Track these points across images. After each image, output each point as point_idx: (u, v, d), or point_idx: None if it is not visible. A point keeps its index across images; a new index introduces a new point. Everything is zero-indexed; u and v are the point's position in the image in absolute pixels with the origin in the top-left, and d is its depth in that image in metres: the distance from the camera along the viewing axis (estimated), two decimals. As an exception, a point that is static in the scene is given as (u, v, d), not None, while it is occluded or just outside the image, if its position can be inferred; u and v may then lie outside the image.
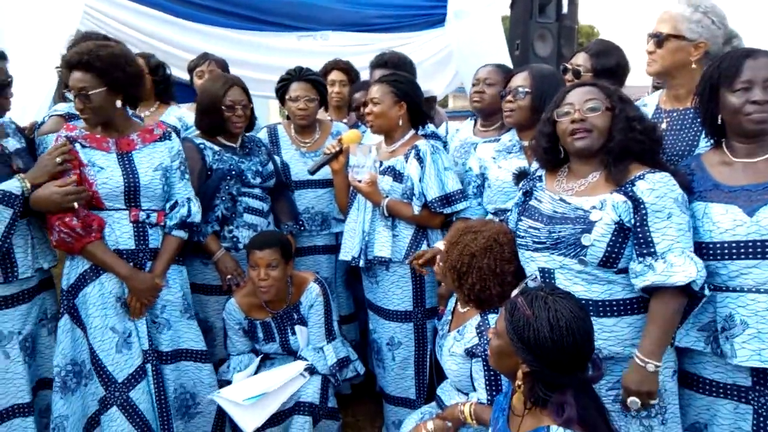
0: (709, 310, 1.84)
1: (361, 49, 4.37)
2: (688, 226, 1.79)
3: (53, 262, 2.51)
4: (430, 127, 3.09)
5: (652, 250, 1.75)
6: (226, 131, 2.77)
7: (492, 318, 2.00)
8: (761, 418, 1.79)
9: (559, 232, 1.85)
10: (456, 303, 2.31)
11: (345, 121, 3.53)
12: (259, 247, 2.55)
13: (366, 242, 2.63)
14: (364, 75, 3.69)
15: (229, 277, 2.71)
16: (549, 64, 3.87)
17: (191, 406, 2.58)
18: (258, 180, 2.81)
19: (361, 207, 2.68)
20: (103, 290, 2.36)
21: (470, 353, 2.06)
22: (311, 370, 2.63)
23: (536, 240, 1.91)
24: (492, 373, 1.97)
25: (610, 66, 2.69)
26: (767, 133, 1.79)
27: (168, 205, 2.49)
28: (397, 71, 2.94)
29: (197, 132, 2.86)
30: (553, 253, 1.86)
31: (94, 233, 2.30)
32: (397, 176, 2.61)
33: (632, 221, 1.79)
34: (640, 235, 1.78)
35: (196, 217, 2.53)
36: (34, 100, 3.39)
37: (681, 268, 1.72)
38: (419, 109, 2.70)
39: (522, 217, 2.00)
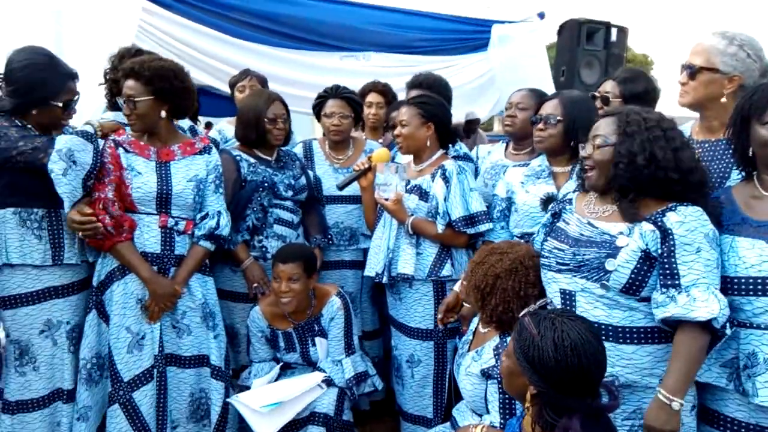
0: (733, 346, 1.80)
1: (402, 71, 4.44)
2: (716, 263, 1.76)
3: (98, 257, 2.61)
4: (463, 149, 3.13)
5: (677, 282, 1.73)
6: (265, 144, 2.87)
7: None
8: (783, 461, 1.73)
9: (584, 255, 1.84)
10: (478, 323, 2.31)
11: (380, 141, 3.59)
12: (283, 260, 2.62)
13: (390, 259, 2.67)
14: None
15: (255, 285, 2.79)
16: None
17: (209, 408, 2.63)
18: (290, 193, 2.89)
19: (387, 224, 2.72)
20: (126, 290, 2.45)
21: (486, 374, 2.07)
22: (328, 382, 2.66)
23: (560, 261, 1.91)
24: (506, 396, 1.96)
25: (638, 92, 2.69)
26: None
27: (198, 216, 2.58)
28: (432, 92, 2.98)
29: (236, 144, 2.97)
30: (575, 276, 1.86)
31: (125, 233, 2.40)
32: (423, 195, 2.64)
33: (659, 251, 1.76)
34: (666, 267, 1.75)
35: (225, 230, 2.60)
36: (89, 112, 3.59)
37: (704, 303, 1.68)
38: (447, 130, 2.74)
39: (548, 238, 2.00)
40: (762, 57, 2.06)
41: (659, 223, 1.77)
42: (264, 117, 2.81)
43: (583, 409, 1.41)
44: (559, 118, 2.41)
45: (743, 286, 1.76)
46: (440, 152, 2.74)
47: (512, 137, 2.90)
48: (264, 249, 2.82)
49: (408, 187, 2.69)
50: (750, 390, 1.72)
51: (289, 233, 2.90)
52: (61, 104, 2.37)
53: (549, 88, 4.28)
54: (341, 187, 2.81)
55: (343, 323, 2.75)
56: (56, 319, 2.44)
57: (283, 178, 2.89)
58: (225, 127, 3.44)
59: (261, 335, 2.80)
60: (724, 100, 2.05)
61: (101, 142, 2.45)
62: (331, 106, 3.11)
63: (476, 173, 3.06)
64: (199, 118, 4.84)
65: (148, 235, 2.47)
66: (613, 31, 5.68)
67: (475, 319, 2.36)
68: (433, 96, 2.81)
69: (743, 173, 1.92)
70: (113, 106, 2.84)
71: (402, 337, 2.76)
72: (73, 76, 2.44)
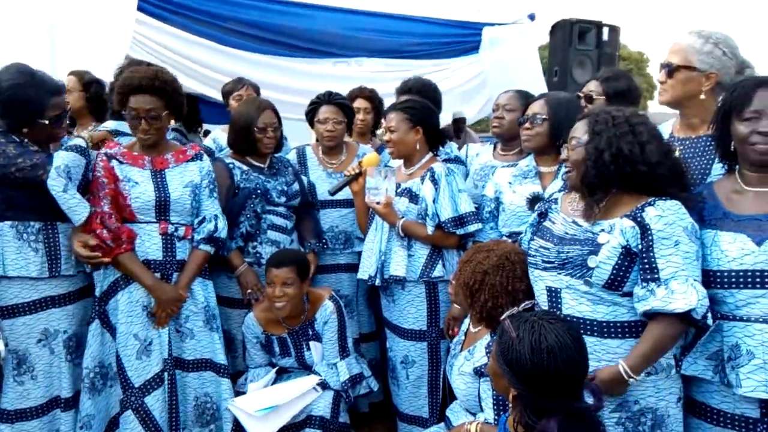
0: (717, 339, 1.83)
1: (394, 75, 4.46)
2: (695, 255, 1.79)
3: (98, 268, 2.64)
4: (454, 152, 3.17)
5: (656, 276, 1.77)
6: (257, 151, 2.91)
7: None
8: (769, 452, 1.76)
9: (568, 252, 1.88)
10: (469, 324, 2.35)
11: (370, 146, 3.63)
12: (276, 265, 2.66)
13: (382, 261, 2.70)
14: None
15: (249, 291, 2.83)
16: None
17: (215, 413, 2.67)
18: (283, 199, 2.93)
19: (378, 227, 2.76)
20: (131, 298, 2.50)
21: (479, 372, 2.10)
22: (324, 385, 2.69)
23: (546, 259, 1.95)
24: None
25: (622, 89, 2.74)
26: None
27: (196, 221, 2.64)
28: (421, 96, 3.02)
29: (230, 152, 3.01)
30: (560, 273, 1.89)
31: (124, 245, 2.44)
32: (413, 198, 2.68)
33: (639, 246, 1.80)
34: (646, 261, 1.79)
35: (222, 232, 2.66)
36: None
37: (682, 295, 1.72)
38: (436, 132, 2.78)
39: (534, 237, 2.05)
40: (737, 54, 2.10)
41: (638, 219, 1.81)
42: (254, 126, 2.85)
43: (563, 411, 1.42)
44: (544, 117, 2.47)
45: (725, 280, 1.80)
46: (429, 155, 2.78)
47: (500, 138, 2.95)
48: (258, 255, 2.86)
49: (398, 190, 2.72)
50: (734, 381, 1.76)
51: (282, 239, 2.94)
52: (47, 121, 2.38)
53: (541, 90, 4.31)
54: (333, 193, 2.85)
55: (336, 326, 2.79)
56: (53, 328, 2.48)
57: (275, 184, 2.93)
58: (219, 135, 3.49)
59: (256, 341, 2.84)
60: (702, 97, 2.10)
61: (93, 153, 2.50)
62: (325, 112, 3.14)
63: (467, 175, 3.10)
64: (204, 126, 4.91)
65: (149, 243, 2.52)
66: (605, 31, 5.73)
67: (466, 320, 2.40)
68: (419, 100, 2.85)
69: (725, 168, 1.96)
70: (115, 115, 2.88)
71: (396, 339, 2.79)
72: (58, 91, 2.45)
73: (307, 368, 2.84)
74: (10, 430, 2.45)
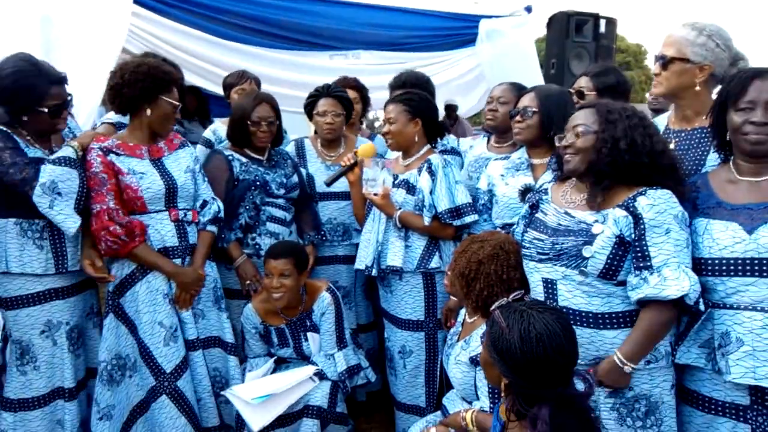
0: (708, 327, 1.86)
1: (392, 68, 4.47)
2: (686, 243, 1.83)
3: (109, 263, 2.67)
4: (451, 143, 3.18)
5: (649, 264, 1.80)
6: (252, 145, 2.93)
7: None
8: (759, 438, 1.79)
9: (562, 243, 1.91)
10: (465, 314, 2.37)
11: (359, 135, 3.65)
12: (274, 256, 2.69)
13: (379, 252, 2.73)
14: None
15: (248, 282, 2.85)
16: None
17: (223, 387, 2.73)
18: (282, 191, 2.95)
19: (376, 218, 2.78)
20: (150, 288, 2.53)
21: (474, 361, 2.12)
22: (321, 375, 2.72)
23: (540, 251, 1.97)
24: (493, 381, 2.02)
25: (611, 84, 2.77)
26: (764, 154, 1.81)
27: (198, 204, 2.69)
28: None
29: (229, 144, 3.03)
30: (555, 264, 1.92)
31: (138, 237, 2.46)
32: (410, 189, 2.70)
33: (632, 235, 1.83)
34: (638, 249, 1.82)
35: (222, 213, 2.76)
36: (81, 113, 3.63)
37: (675, 282, 1.75)
38: (434, 124, 2.80)
39: (528, 229, 2.07)
40: (731, 46, 2.12)
41: (631, 209, 1.84)
42: (248, 119, 2.87)
43: (554, 398, 1.44)
44: (534, 109, 2.49)
45: (716, 267, 1.83)
46: (427, 147, 2.80)
47: (494, 131, 2.97)
48: (257, 246, 2.88)
49: (395, 181, 2.75)
50: (724, 368, 1.79)
51: (281, 230, 2.96)
52: (46, 110, 2.39)
53: (538, 82, 4.33)
54: (329, 183, 2.87)
55: (334, 318, 2.81)
56: (56, 320, 2.50)
57: (275, 176, 2.95)
58: (219, 128, 3.49)
59: (255, 331, 2.86)
60: (697, 89, 2.12)
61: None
62: (324, 105, 3.16)
63: (462, 166, 3.11)
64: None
65: (164, 231, 2.56)
66: (602, 23, 5.73)
67: (463, 311, 2.43)
68: (418, 92, 2.86)
69: (720, 159, 1.98)
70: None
71: (394, 329, 2.82)
72: (59, 81, 2.45)
73: (305, 359, 2.86)
74: (13, 419, 2.48)
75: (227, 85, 3.72)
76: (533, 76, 4.72)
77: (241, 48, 4.48)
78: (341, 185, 3.05)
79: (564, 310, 1.90)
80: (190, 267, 2.60)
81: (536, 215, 2.08)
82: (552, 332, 1.45)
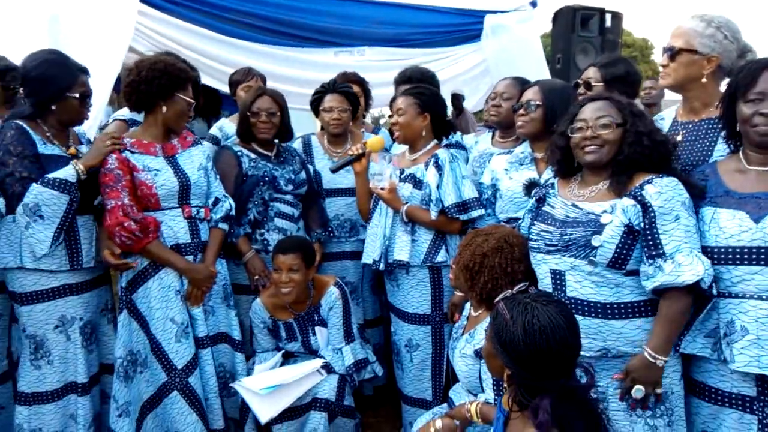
0: (714, 316, 1.87)
1: (396, 64, 4.43)
2: (695, 229, 1.85)
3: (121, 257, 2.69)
4: (456, 137, 3.19)
5: (661, 251, 1.82)
6: (256, 138, 2.95)
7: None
8: (766, 429, 1.79)
9: (571, 234, 1.92)
10: (470, 308, 2.39)
11: (363, 130, 3.66)
12: (283, 251, 2.70)
13: (386, 246, 2.74)
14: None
15: (256, 277, 2.88)
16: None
17: (226, 382, 2.76)
18: (290, 187, 2.97)
19: (382, 213, 2.80)
20: (162, 284, 2.55)
21: (479, 354, 2.14)
22: (328, 369, 2.74)
23: (548, 243, 1.98)
24: (498, 374, 2.03)
25: (620, 74, 2.73)
26: None
27: (210, 202, 2.71)
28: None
29: (237, 140, 3.05)
30: (564, 255, 1.93)
31: (152, 234, 2.47)
32: (417, 183, 2.71)
33: (641, 224, 1.85)
34: (650, 238, 1.84)
35: (233, 211, 2.77)
36: (92, 112, 3.65)
37: (689, 267, 1.77)
38: (443, 120, 2.81)
39: (535, 222, 2.08)
40: (739, 38, 2.12)
41: (639, 197, 1.86)
42: (248, 111, 2.90)
43: (556, 390, 1.45)
44: (538, 103, 2.50)
45: (722, 256, 1.84)
46: (434, 142, 2.81)
47: (498, 126, 2.98)
48: (265, 242, 2.91)
49: (402, 175, 2.76)
50: (728, 357, 1.80)
51: (289, 226, 2.98)
52: (77, 95, 2.44)
53: (544, 77, 4.31)
54: (334, 170, 2.88)
55: (341, 312, 2.83)
56: (70, 315, 2.52)
57: (283, 172, 2.97)
58: (225, 124, 3.52)
59: (263, 326, 2.89)
60: (704, 80, 2.12)
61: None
62: (330, 100, 3.17)
63: (467, 161, 3.11)
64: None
65: (177, 228, 2.57)
66: (608, 17, 5.69)
67: (468, 305, 2.44)
68: (429, 87, 2.88)
69: (730, 149, 1.99)
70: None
71: (400, 323, 2.84)
72: (85, 71, 2.51)
73: (312, 353, 2.88)
74: (28, 412, 2.51)
75: (233, 82, 3.74)
76: (539, 71, 4.69)
77: (246, 45, 4.48)
78: (348, 182, 3.08)
79: (572, 300, 1.92)
80: (202, 264, 2.62)
81: (543, 208, 2.10)
82: (555, 325, 1.45)
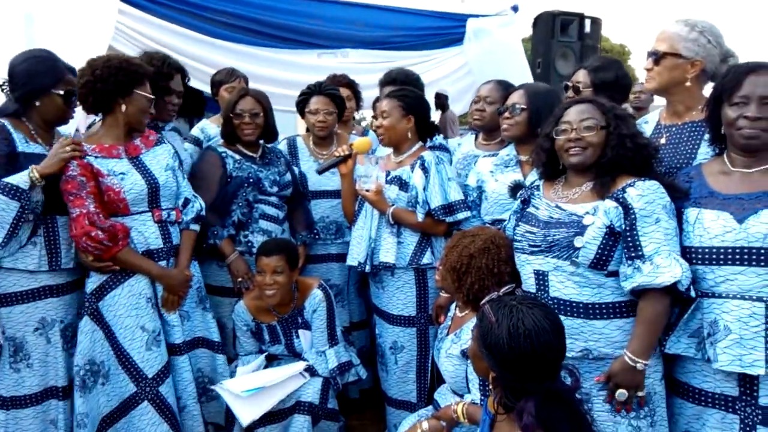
0: (697, 316, 1.89)
1: (380, 66, 4.46)
2: (674, 232, 1.88)
3: None
4: (439, 140, 3.20)
5: (640, 253, 1.83)
6: (241, 139, 2.92)
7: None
8: (747, 428, 1.81)
9: (554, 235, 1.94)
10: (455, 308, 2.39)
11: (354, 132, 3.65)
12: (266, 253, 2.68)
13: (372, 248, 2.73)
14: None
15: (239, 279, 2.84)
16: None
17: (209, 390, 2.70)
18: (275, 189, 2.95)
19: (368, 215, 2.79)
20: (132, 291, 2.45)
21: (466, 354, 2.14)
22: (312, 372, 2.72)
23: (532, 244, 2.00)
24: (485, 374, 2.03)
25: (609, 80, 2.74)
26: (757, 148, 1.84)
27: (180, 203, 2.64)
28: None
29: (221, 141, 3.02)
30: (547, 256, 1.95)
31: (121, 241, 2.37)
32: (403, 185, 2.71)
33: (622, 226, 1.87)
34: (629, 239, 1.86)
35: (204, 211, 2.70)
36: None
37: (667, 269, 1.79)
38: (427, 123, 2.82)
39: (519, 223, 2.10)
40: (722, 43, 2.16)
41: (621, 200, 1.88)
42: (231, 112, 2.87)
43: (541, 392, 1.45)
44: (523, 107, 2.52)
45: (706, 256, 1.86)
46: (419, 144, 2.82)
47: (482, 129, 2.99)
48: (249, 244, 2.88)
49: (388, 178, 2.75)
50: (712, 356, 1.82)
51: (274, 228, 2.95)
52: (62, 92, 2.40)
53: (527, 80, 4.35)
54: (320, 172, 2.86)
55: (325, 315, 2.81)
56: (50, 318, 2.46)
57: (268, 174, 2.94)
58: (207, 125, 3.48)
59: (246, 329, 2.86)
60: (688, 84, 2.16)
61: (35, 194, 2.32)
62: (316, 102, 3.15)
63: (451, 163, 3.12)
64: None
65: (148, 233, 2.49)
66: (587, 23, 5.77)
67: (452, 306, 2.44)
68: (413, 90, 2.88)
69: (715, 151, 2.02)
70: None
71: (385, 325, 2.83)
72: (71, 70, 2.46)
73: (296, 355, 2.86)
74: (5, 417, 2.44)
75: (216, 83, 3.69)
76: (522, 75, 4.74)
77: (228, 46, 4.45)
78: (334, 184, 3.06)
79: (555, 300, 1.93)
80: (176, 269, 2.55)
81: (528, 210, 2.11)
82: (540, 328, 1.46)
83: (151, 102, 2.52)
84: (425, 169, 2.68)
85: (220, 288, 2.93)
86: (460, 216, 2.67)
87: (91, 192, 2.34)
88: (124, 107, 2.43)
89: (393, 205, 2.70)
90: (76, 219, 2.31)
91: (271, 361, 2.90)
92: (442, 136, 3.35)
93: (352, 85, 3.78)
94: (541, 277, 1.97)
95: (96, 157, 2.41)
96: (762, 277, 1.77)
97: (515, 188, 2.50)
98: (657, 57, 2.19)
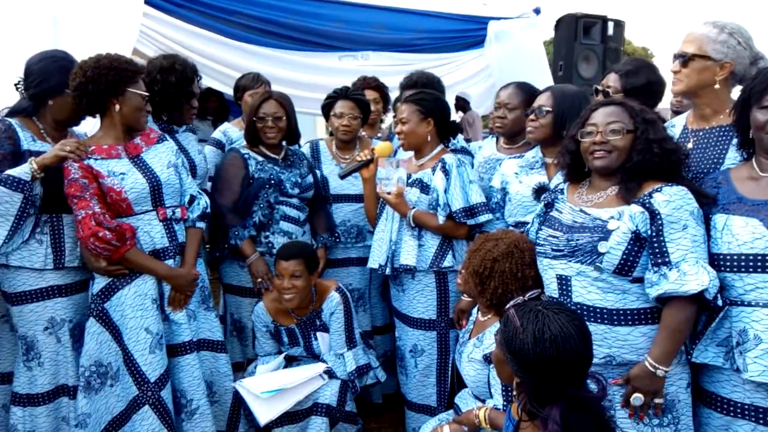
0: (726, 325, 1.85)
1: (400, 69, 4.43)
2: (702, 239, 1.83)
3: None
4: (461, 142, 3.18)
5: (667, 259, 1.80)
6: (263, 142, 2.94)
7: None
8: (780, 440, 1.77)
9: (578, 240, 1.91)
10: (477, 312, 2.37)
11: (379, 135, 3.65)
12: (285, 257, 2.68)
13: (393, 251, 2.72)
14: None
15: (259, 280, 2.85)
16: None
17: (208, 395, 2.68)
18: (296, 191, 2.96)
19: (389, 217, 2.78)
20: (138, 292, 2.43)
21: (488, 359, 2.13)
22: (330, 374, 2.72)
23: (555, 248, 1.97)
24: (508, 379, 2.01)
25: (639, 85, 2.69)
26: None
27: (185, 200, 2.63)
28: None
29: (245, 143, 3.04)
30: (570, 261, 1.92)
31: (129, 241, 2.36)
32: (424, 188, 2.70)
33: (648, 232, 1.83)
34: (656, 246, 1.82)
35: (209, 209, 2.69)
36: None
37: (693, 276, 1.75)
38: (447, 124, 2.80)
39: (543, 227, 2.07)
40: (751, 45, 2.11)
41: (647, 205, 1.84)
42: (255, 116, 2.89)
43: (566, 399, 1.42)
44: (548, 109, 2.49)
45: (735, 263, 1.82)
46: (440, 147, 2.80)
47: (504, 136, 2.96)
48: (270, 245, 2.89)
49: (409, 180, 2.74)
50: (741, 366, 1.78)
51: (295, 230, 2.96)
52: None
53: (548, 83, 4.31)
54: (342, 176, 2.87)
55: (343, 317, 2.80)
56: (59, 317, 2.49)
57: (290, 176, 2.95)
58: (229, 128, 3.51)
59: (265, 330, 2.87)
60: (716, 86, 2.10)
61: (36, 186, 2.34)
62: (341, 107, 3.15)
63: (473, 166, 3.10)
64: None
65: (153, 232, 2.47)
66: (610, 25, 5.71)
67: (474, 310, 2.42)
68: (431, 92, 2.87)
69: (743, 157, 1.98)
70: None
71: (405, 328, 2.81)
72: None
73: (315, 357, 2.87)
74: (22, 413, 2.48)
75: (240, 87, 3.71)
76: (543, 78, 4.70)
77: (250, 49, 4.47)
78: (356, 188, 3.06)
79: (578, 306, 1.90)
80: (184, 268, 2.54)
81: (551, 213, 2.09)
82: (566, 335, 1.43)
83: (146, 99, 2.47)
84: (446, 172, 2.66)
85: (240, 288, 2.95)
86: (482, 219, 2.65)
87: (94, 193, 2.34)
88: (117, 107, 2.41)
89: (414, 207, 2.69)
90: (82, 221, 2.30)
91: (291, 362, 2.90)
92: (461, 137, 3.34)
93: (381, 88, 3.78)
94: (563, 282, 1.94)
95: (95, 158, 2.40)
96: None
97: (539, 191, 2.47)
98: (685, 59, 2.14)
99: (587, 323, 1.75)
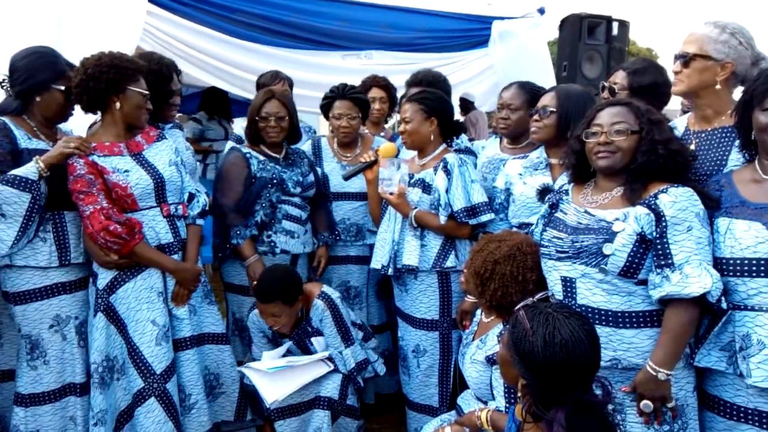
0: (729, 329, 1.84)
1: (404, 68, 4.43)
2: (707, 241, 1.82)
3: None
4: (465, 142, 3.17)
5: (670, 261, 1.79)
6: (265, 141, 2.94)
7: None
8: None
9: (582, 241, 1.90)
10: (481, 314, 2.36)
11: (383, 134, 3.64)
12: (262, 300, 2.67)
13: (395, 251, 2.72)
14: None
15: (254, 282, 2.83)
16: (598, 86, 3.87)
17: (215, 387, 2.70)
18: (298, 189, 2.95)
19: (392, 218, 2.78)
20: (144, 285, 2.46)
21: (491, 360, 2.12)
22: (333, 362, 2.74)
23: (560, 249, 1.96)
24: (510, 381, 2.00)
25: (646, 84, 2.66)
26: None
27: (186, 197, 2.65)
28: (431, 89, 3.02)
29: (247, 142, 3.04)
30: (575, 262, 1.91)
31: (137, 234, 2.39)
32: (426, 188, 2.69)
33: (654, 233, 1.82)
34: (659, 247, 1.81)
35: (208, 206, 2.72)
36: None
37: (696, 279, 1.74)
38: (450, 123, 2.79)
39: (547, 228, 2.06)
40: (753, 45, 2.10)
41: (653, 206, 1.83)
42: (257, 115, 2.89)
43: (572, 403, 1.42)
44: (552, 109, 2.47)
45: (738, 267, 1.80)
46: (443, 146, 2.80)
47: (508, 137, 2.95)
48: (272, 244, 2.89)
49: (411, 180, 2.73)
50: (745, 371, 1.76)
51: (297, 229, 2.96)
52: (62, 88, 2.40)
53: (552, 83, 4.30)
54: (347, 178, 2.87)
55: (332, 321, 2.79)
56: (65, 314, 2.48)
57: (291, 175, 2.95)
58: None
59: (262, 335, 2.87)
60: (718, 87, 2.09)
61: (43, 186, 2.34)
62: (339, 107, 3.13)
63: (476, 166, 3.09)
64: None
65: (158, 228, 2.50)
66: (615, 25, 5.68)
67: (478, 311, 2.41)
68: (434, 91, 2.85)
69: (746, 158, 1.96)
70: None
71: (408, 328, 2.81)
72: (72, 67, 2.46)
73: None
74: (24, 414, 2.46)
75: (260, 85, 3.69)
76: (546, 78, 4.69)
77: (254, 47, 4.47)
78: (356, 186, 3.06)
79: (583, 308, 1.89)
80: (188, 263, 2.57)
81: (556, 214, 2.07)
82: (577, 339, 1.42)
83: (146, 98, 2.47)
84: (448, 171, 2.65)
85: (243, 287, 2.95)
86: (484, 218, 2.64)
87: (101, 188, 2.36)
88: (118, 104, 2.42)
89: (416, 207, 2.69)
90: (91, 216, 2.31)
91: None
92: (465, 136, 3.33)
93: (389, 88, 3.76)
94: (568, 283, 1.93)
95: (99, 155, 2.41)
96: None
97: (543, 191, 2.46)
98: (686, 59, 2.13)
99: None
